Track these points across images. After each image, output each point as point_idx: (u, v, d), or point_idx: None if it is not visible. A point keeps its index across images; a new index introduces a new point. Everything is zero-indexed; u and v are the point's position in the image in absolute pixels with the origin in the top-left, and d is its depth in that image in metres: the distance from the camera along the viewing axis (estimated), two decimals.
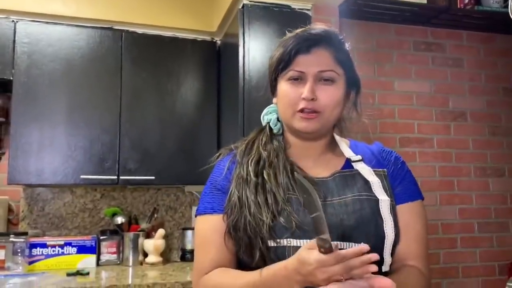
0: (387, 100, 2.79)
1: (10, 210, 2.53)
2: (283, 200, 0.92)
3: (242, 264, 0.98)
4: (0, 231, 2.35)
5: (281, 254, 0.90)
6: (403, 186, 1.01)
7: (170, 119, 2.47)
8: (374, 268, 0.76)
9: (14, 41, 2.29)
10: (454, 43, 2.97)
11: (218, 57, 2.61)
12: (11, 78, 2.27)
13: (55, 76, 2.33)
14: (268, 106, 1.11)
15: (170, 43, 2.53)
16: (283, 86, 1.00)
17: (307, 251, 0.78)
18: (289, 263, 0.82)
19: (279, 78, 1.01)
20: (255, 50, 2.23)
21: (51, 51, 2.33)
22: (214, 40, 2.64)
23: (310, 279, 0.79)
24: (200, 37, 2.63)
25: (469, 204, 2.91)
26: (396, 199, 0.99)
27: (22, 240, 2.26)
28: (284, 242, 0.90)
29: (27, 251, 2.28)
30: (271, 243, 0.91)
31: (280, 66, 0.99)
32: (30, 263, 2.31)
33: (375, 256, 0.76)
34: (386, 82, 2.81)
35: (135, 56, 2.45)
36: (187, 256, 2.64)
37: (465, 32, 2.99)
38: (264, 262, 0.90)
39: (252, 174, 0.96)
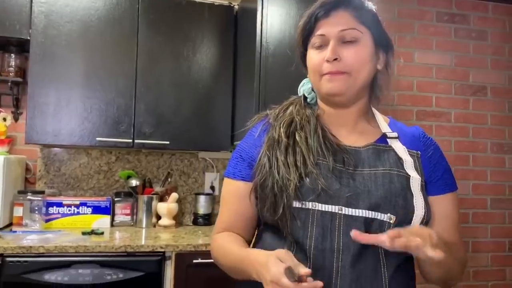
0: (406, 72, 2.74)
1: (27, 169, 2.58)
2: (312, 163, 0.93)
3: (265, 223, 1.01)
4: (18, 189, 2.40)
5: (305, 216, 0.91)
6: (445, 179, 1.01)
7: (185, 85, 2.47)
8: (320, 285, 0.77)
9: (31, 0, 2.27)
10: (479, 15, 2.88)
11: (235, 22, 2.57)
12: (28, 38, 2.27)
13: (72, 37, 2.32)
14: (305, 79, 1.10)
15: (187, 7, 2.49)
16: (309, 55, 1.01)
17: (276, 262, 0.79)
18: (260, 256, 0.85)
19: (308, 47, 1.02)
20: (274, 16, 2.19)
21: (68, 12, 2.32)
22: (232, 5, 2.59)
23: (261, 277, 0.82)
24: (217, 1, 2.59)
25: (484, 180, 2.89)
26: (436, 190, 0.99)
27: (39, 198, 2.32)
28: (309, 205, 0.90)
29: (44, 209, 2.34)
30: (296, 204, 0.91)
31: (304, 36, 1.01)
32: (47, 221, 2.37)
33: (319, 285, 0.77)
34: (406, 53, 2.75)
35: (152, 19, 2.42)
36: (199, 220, 2.69)
37: (491, 4, 2.90)
38: (287, 221, 0.92)
39: (283, 135, 0.98)
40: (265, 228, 1.01)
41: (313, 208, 0.90)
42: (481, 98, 2.89)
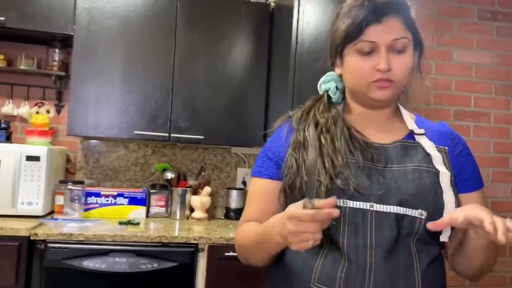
0: (444, 71, 2.68)
1: (68, 160, 2.69)
2: (341, 165, 0.93)
3: None
4: (59, 178, 2.50)
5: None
6: (473, 176, 1.01)
7: (220, 81, 2.50)
8: (337, 212, 0.78)
9: None
10: None
11: (271, 19, 2.59)
12: (72, 34, 2.36)
13: (113, 33, 2.39)
14: (326, 74, 1.09)
15: (224, 4, 2.52)
16: (352, 59, 0.97)
17: (295, 204, 0.80)
18: (277, 215, 0.87)
19: (345, 50, 0.98)
20: (310, 14, 2.19)
21: (109, 8, 2.39)
22: (268, 2, 2.61)
23: (283, 231, 0.82)
24: None
25: None
26: (465, 187, 0.99)
27: (79, 188, 2.41)
28: (340, 202, 0.91)
29: (83, 199, 2.43)
30: None
31: (349, 37, 0.96)
32: (86, 210, 2.46)
33: (336, 212, 0.78)
34: (444, 51, 2.69)
35: (189, 16, 2.47)
36: (230, 214, 2.73)
37: None
38: None
39: (310, 139, 0.97)
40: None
41: (344, 205, 0.91)
42: None
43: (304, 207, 0.78)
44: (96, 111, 2.37)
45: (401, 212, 0.90)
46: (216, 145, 2.74)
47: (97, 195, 2.51)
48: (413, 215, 0.90)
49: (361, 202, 0.90)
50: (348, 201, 0.91)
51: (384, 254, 0.89)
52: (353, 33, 0.94)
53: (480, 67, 2.72)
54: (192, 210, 2.64)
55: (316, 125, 1.00)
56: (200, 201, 2.59)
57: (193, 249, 2.10)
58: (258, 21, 2.57)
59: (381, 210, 0.90)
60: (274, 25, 2.57)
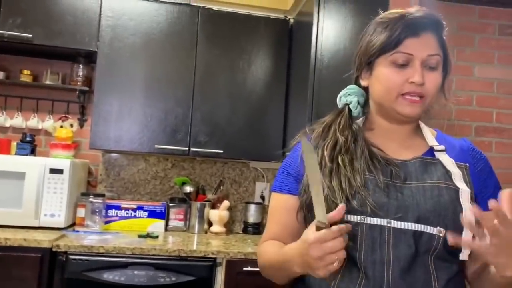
0: (465, 86, 2.66)
1: (89, 172, 2.74)
2: (359, 185, 0.92)
3: None
4: (81, 191, 2.55)
5: (354, 230, 0.90)
6: (496, 193, 0.96)
7: (240, 96, 2.53)
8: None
9: (100, 14, 2.43)
10: None
11: (290, 35, 2.61)
12: (96, 50, 2.43)
13: (135, 49, 2.45)
14: (347, 87, 1.08)
15: (243, 21, 2.56)
16: (385, 69, 0.97)
17: (309, 230, 0.82)
18: (298, 242, 0.87)
19: (377, 60, 0.98)
20: (329, 30, 2.21)
21: (132, 25, 2.45)
22: (287, 18, 2.64)
23: (304, 261, 0.82)
24: (273, 15, 2.64)
25: None
26: (487, 205, 0.97)
27: (100, 201, 2.45)
28: (358, 218, 0.91)
29: (103, 211, 2.46)
30: (344, 218, 0.92)
31: (384, 48, 0.96)
32: (106, 222, 2.50)
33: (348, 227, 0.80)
34: (465, 67, 2.67)
35: (210, 32, 2.52)
36: (249, 229, 2.73)
37: None
38: None
39: (327, 159, 0.97)
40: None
41: (361, 222, 0.91)
42: None
43: (318, 229, 0.78)
44: (117, 125, 2.41)
45: (419, 229, 0.89)
46: (235, 159, 2.76)
47: (117, 208, 2.54)
48: (431, 232, 0.89)
49: (378, 219, 0.90)
50: (365, 217, 0.91)
51: (401, 270, 0.89)
52: (391, 44, 0.95)
53: (502, 82, 2.69)
54: (210, 224, 2.65)
55: (335, 144, 0.99)
56: (218, 215, 2.60)
57: (211, 263, 2.11)
58: (278, 37, 2.60)
59: (398, 226, 0.90)
60: (293, 41, 2.59)
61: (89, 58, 2.59)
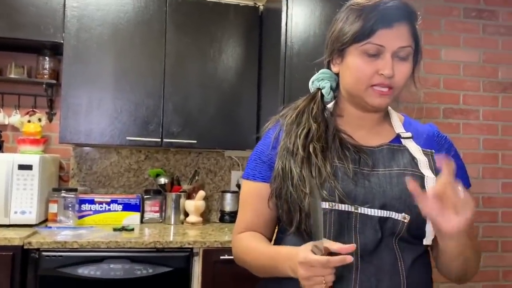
0: (433, 69, 2.71)
1: (61, 167, 2.69)
2: (329, 174, 0.93)
3: (282, 225, 1.04)
4: (52, 186, 2.50)
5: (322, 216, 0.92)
6: (459, 175, 0.98)
7: (212, 84, 2.51)
8: (350, 258, 0.81)
9: (64, 5, 2.36)
10: (508, 10, 2.83)
11: (260, 22, 2.60)
12: (62, 41, 2.36)
13: (103, 40, 2.40)
14: (320, 71, 1.08)
15: (213, 8, 2.53)
16: (355, 59, 0.96)
17: (305, 248, 0.83)
18: (291, 249, 0.89)
19: (349, 48, 0.97)
20: (299, 16, 2.21)
21: (99, 15, 2.39)
22: (257, 5, 2.62)
23: (296, 272, 0.84)
24: (242, 2, 2.62)
25: None
26: None
27: (73, 195, 2.41)
28: (326, 205, 0.92)
29: (77, 206, 2.43)
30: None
31: (357, 38, 0.94)
32: (80, 217, 2.46)
33: (349, 258, 0.81)
34: (432, 50, 2.72)
35: (179, 21, 2.48)
36: (225, 217, 2.73)
37: None
38: (305, 224, 0.94)
39: (300, 147, 0.97)
40: (286, 228, 1.02)
41: (330, 208, 0.92)
42: (510, 95, 2.83)
43: (312, 251, 0.80)
44: (87, 118, 2.37)
45: (385, 215, 0.91)
46: (209, 149, 2.75)
47: (91, 202, 2.50)
48: (396, 218, 0.91)
49: (346, 205, 0.92)
50: (334, 203, 0.92)
51: (368, 254, 0.91)
52: (363, 34, 0.94)
53: (467, 65, 2.76)
54: (186, 214, 2.64)
55: (308, 131, 0.99)
56: (194, 205, 2.60)
57: (188, 254, 2.11)
58: (248, 24, 2.58)
59: (365, 213, 0.91)
60: (263, 28, 2.59)
61: (55, 50, 2.52)
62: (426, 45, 2.70)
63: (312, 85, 1.08)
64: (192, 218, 2.60)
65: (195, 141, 2.47)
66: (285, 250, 0.92)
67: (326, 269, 0.80)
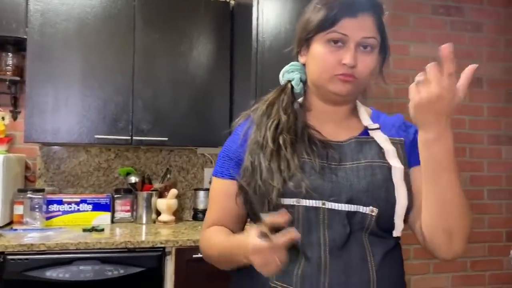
0: (402, 65, 2.75)
1: (27, 167, 2.60)
2: (296, 166, 0.93)
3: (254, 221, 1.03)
4: (18, 187, 2.41)
5: (290, 212, 0.90)
6: None
7: (183, 81, 2.48)
8: (294, 233, 0.80)
9: None
10: (474, 7, 2.90)
11: (231, 18, 2.58)
12: (25, 37, 2.28)
13: (69, 35, 2.32)
14: (290, 64, 1.08)
15: (183, 3, 2.49)
16: (320, 48, 0.97)
17: (252, 235, 0.82)
18: (241, 239, 0.88)
19: (314, 37, 0.98)
20: (270, 11, 2.20)
21: (64, 10, 2.32)
22: (228, 1, 2.60)
23: (250, 260, 0.84)
24: None
25: (481, 171, 2.91)
26: (417, 159, 0.94)
27: (40, 196, 2.33)
28: (293, 201, 0.92)
29: (44, 207, 2.35)
30: (280, 201, 0.93)
31: (321, 26, 0.95)
32: (48, 218, 2.38)
33: (293, 233, 0.80)
34: (402, 46, 2.76)
35: (148, 16, 2.43)
36: (198, 215, 2.71)
37: None
38: None
39: (269, 140, 0.97)
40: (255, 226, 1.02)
41: (297, 204, 0.92)
42: (477, 90, 2.90)
43: (261, 235, 0.79)
44: (54, 116, 2.29)
45: (352, 210, 0.91)
46: (181, 147, 2.71)
47: (59, 202, 2.43)
48: (363, 212, 0.91)
49: (313, 201, 0.91)
50: (301, 200, 0.91)
51: (337, 250, 0.90)
52: (327, 22, 0.94)
53: (435, 60, 2.80)
54: (158, 213, 2.60)
55: (278, 123, 0.99)
56: (166, 204, 2.56)
57: (160, 253, 2.07)
58: (219, 19, 2.55)
59: (332, 207, 0.91)
60: (234, 24, 2.56)
61: (19, 46, 2.43)
62: (396, 41, 2.73)
63: (283, 77, 1.08)
64: (164, 217, 2.56)
65: (166, 139, 2.43)
66: (236, 240, 0.91)
67: (277, 251, 0.79)
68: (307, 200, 0.91)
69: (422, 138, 0.85)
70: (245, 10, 2.33)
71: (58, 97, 2.30)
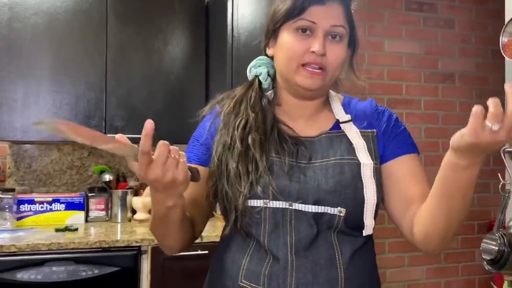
0: (376, 61, 2.77)
1: None
2: (265, 167, 0.90)
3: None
4: None
5: (257, 214, 0.90)
6: (400, 141, 0.98)
7: (157, 77, 2.44)
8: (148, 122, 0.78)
9: None
10: (446, 4, 2.94)
11: (206, 13, 2.55)
12: None
13: (38, 30, 2.26)
14: (257, 58, 1.05)
15: None
16: (288, 37, 0.94)
17: (137, 173, 0.80)
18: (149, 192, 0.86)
19: (282, 27, 0.95)
20: (245, 7, 2.19)
21: (33, 4, 2.25)
22: None
23: (157, 192, 0.82)
24: None
25: None
26: (392, 153, 0.96)
27: (10, 196, 2.26)
28: (261, 203, 0.90)
29: (14, 207, 2.28)
30: (247, 203, 0.90)
31: (289, 14, 0.93)
32: (18, 219, 2.32)
33: (150, 123, 0.78)
34: (376, 42, 2.78)
35: (121, 11, 2.38)
36: None
37: None
38: (240, 222, 0.91)
39: (238, 140, 0.93)
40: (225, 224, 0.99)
41: (264, 206, 0.90)
42: (450, 86, 2.96)
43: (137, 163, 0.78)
44: (24, 114, 2.23)
45: (319, 211, 0.89)
46: (156, 144, 2.67)
47: (31, 202, 2.37)
48: (331, 213, 0.89)
49: (280, 202, 0.90)
50: (268, 201, 0.90)
51: (303, 250, 0.89)
52: (295, 10, 0.92)
53: (409, 56, 2.84)
54: (134, 212, 2.56)
55: (246, 122, 0.95)
56: (142, 202, 2.52)
57: (135, 252, 2.04)
58: (193, 15, 2.52)
59: (299, 209, 0.89)
60: (210, 19, 2.54)
61: None
62: (370, 37, 2.75)
63: (250, 72, 1.04)
64: (140, 215, 2.52)
65: (140, 136, 2.38)
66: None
67: (162, 163, 0.78)
68: (274, 202, 0.90)
69: (451, 160, 0.78)
70: (220, 6, 2.31)
71: (27, 94, 2.24)
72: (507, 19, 1.29)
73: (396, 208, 0.96)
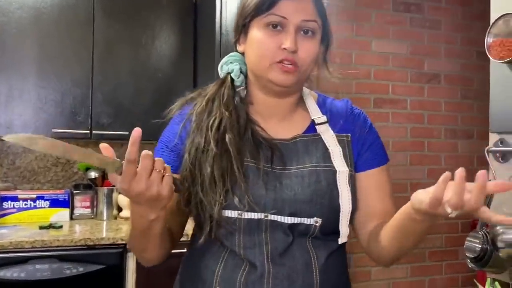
0: (364, 61, 2.79)
1: None
2: (239, 172, 0.87)
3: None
4: None
5: (232, 224, 0.88)
6: (373, 152, 0.98)
7: (145, 73, 2.42)
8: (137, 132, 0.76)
9: None
10: (433, 5, 2.97)
11: (195, 9, 2.54)
12: None
13: (23, 25, 2.23)
14: (229, 55, 1.00)
15: None
16: (258, 33, 0.90)
17: (119, 185, 0.79)
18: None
19: (252, 23, 0.91)
20: (233, 4, 2.18)
21: None
22: None
23: (138, 204, 0.80)
24: None
25: (438, 164, 3.00)
26: (365, 164, 0.97)
27: None
28: (235, 213, 0.87)
29: None
30: (222, 214, 0.88)
31: (258, 9, 0.89)
32: (1, 216, 2.29)
33: (137, 131, 0.77)
34: (364, 42, 2.80)
35: (108, 6, 2.36)
36: None
37: None
38: (215, 232, 0.88)
39: (212, 142, 0.89)
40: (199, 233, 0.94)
41: (239, 217, 0.87)
42: (435, 86, 2.99)
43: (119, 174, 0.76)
44: (8, 109, 2.20)
45: (295, 222, 0.88)
46: (143, 141, 2.64)
47: (14, 199, 2.34)
48: (307, 223, 0.88)
49: (256, 213, 0.87)
50: (243, 212, 0.87)
51: (279, 257, 0.88)
52: (264, 4, 0.88)
53: (396, 56, 2.86)
54: (120, 209, 2.54)
55: (220, 123, 0.91)
56: (127, 199, 2.50)
57: (121, 250, 2.03)
58: (182, 11, 2.51)
59: (275, 219, 0.88)
60: (198, 16, 2.53)
61: None
62: (358, 36, 2.77)
63: (221, 70, 0.99)
64: (125, 213, 2.51)
65: (127, 133, 2.35)
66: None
67: (146, 176, 0.76)
68: (249, 213, 0.87)
69: (409, 212, 0.79)
70: (209, 2, 2.30)
71: (12, 89, 2.20)
72: (492, 20, 1.31)
73: (357, 219, 0.97)
